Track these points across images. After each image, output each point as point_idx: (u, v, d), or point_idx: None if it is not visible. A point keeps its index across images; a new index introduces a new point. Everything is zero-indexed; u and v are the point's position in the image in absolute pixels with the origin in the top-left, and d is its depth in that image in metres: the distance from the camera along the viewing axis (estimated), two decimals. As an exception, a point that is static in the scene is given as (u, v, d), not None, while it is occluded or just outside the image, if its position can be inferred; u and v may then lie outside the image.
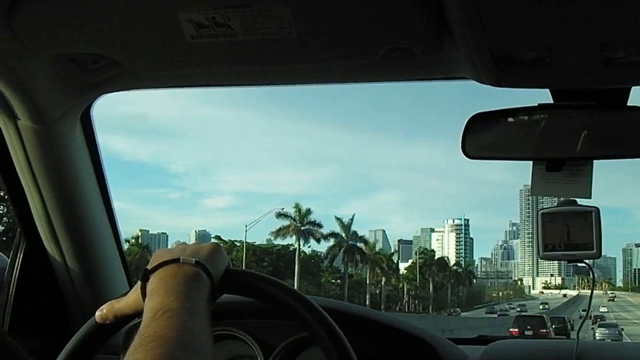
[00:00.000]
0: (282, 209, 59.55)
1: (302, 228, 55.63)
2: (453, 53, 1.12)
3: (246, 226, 52.10)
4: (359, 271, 66.58)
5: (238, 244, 57.42)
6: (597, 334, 38.16)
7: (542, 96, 1.34)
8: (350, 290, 60.98)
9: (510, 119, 1.33)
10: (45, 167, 1.40)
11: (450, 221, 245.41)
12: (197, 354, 0.76)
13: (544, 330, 33.63)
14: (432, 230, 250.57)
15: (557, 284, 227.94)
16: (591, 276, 1.58)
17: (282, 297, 1.02)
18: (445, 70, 1.23)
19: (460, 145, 1.33)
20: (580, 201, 1.40)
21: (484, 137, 1.33)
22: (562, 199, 1.43)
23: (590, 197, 1.33)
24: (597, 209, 1.36)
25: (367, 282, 63.66)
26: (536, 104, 1.31)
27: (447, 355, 1.44)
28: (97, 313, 0.98)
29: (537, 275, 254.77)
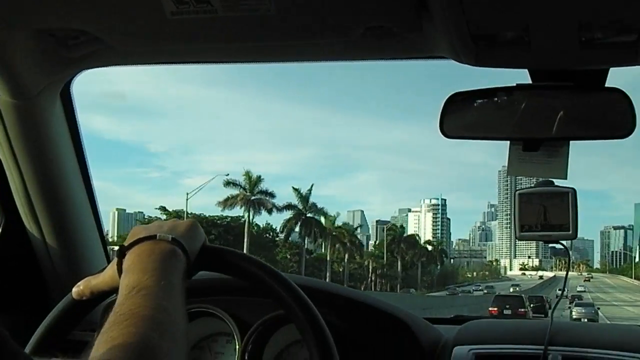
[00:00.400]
0: (227, 175, 53.87)
1: (252, 198, 51.78)
2: (432, 32, 1.13)
3: (187, 194, 48.28)
4: (318, 247, 63.70)
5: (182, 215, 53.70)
6: (573, 313, 39.35)
7: (521, 77, 1.36)
8: (309, 268, 58.28)
9: (489, 99, 1.33)
10: (25, 143, 1.39)
11: (428, 201, 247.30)
12: (171, 332, 0.78)
13: (522, 310, 34.31)
14: (409, 210, 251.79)
15: (534, 266, 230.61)
16: (567, 256, 1.61)
17: (260, 275, 1.03)
18: (424, 49, 1.24)
19: (438, 125, 1.35)
20: (557, 182, 1.43)
21: (462, 117, 1.33)
22: (540, 179, 1.45)
23: (566, 178, 1.35)
24: (574, 190, 1.39)
25: (328, 258, 60.31)
26: (514, 85, 1.32)
27: (423, 334, 1.46)
28: (74, 289, 0.99)
29: (515, 257, 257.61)
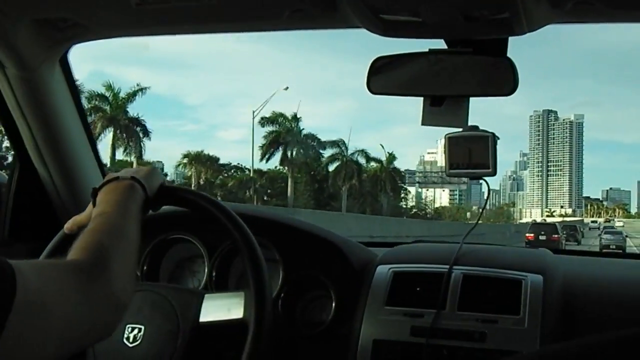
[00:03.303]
0: (287, 87, 54.80)
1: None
2: (346, 11, 1.36)
3: (253, 112, 48.25)
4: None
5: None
6: (603, 240, 40.38)
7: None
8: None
9: (406, 62, 1.54)
10: (32, 105, 1.70)
11: (443, 141, 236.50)
12: (120, 239, 1.02)
13: (556, 236, 36.21)
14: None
15: (566, 213, 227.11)
16: (486, 192, 1.81)
17: (205, 206, 1.29)
18: (343, 24, 1.45)
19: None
20: (481, 127, 1.59)
21: (385, 77, 1.54)
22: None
23: (465, 127, 1.57)
24: (493, 134, 1.58)
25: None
26: (427, 50, 1.52)
27: (354, 255, 1.69)
28: (66, 225, 1.24)
29: (546, 207, 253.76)
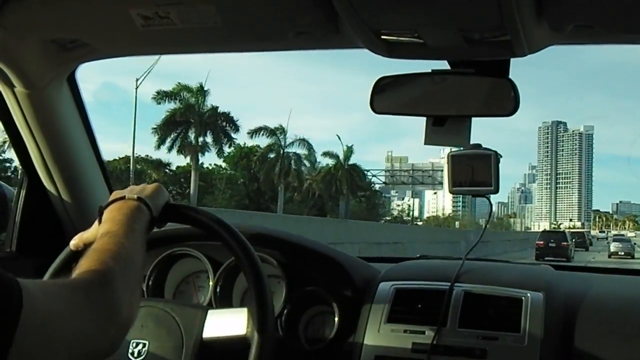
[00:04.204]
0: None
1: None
2: (348, 32, 1.38)
3: (137, 80, 37.11)
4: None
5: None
6: (611, 248, 41.54)
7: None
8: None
9: (409, 82, 1.56)
10: (40, 122, 1.74)
11: (447, 149, 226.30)
12: (125, 260, 1.04)
13: (565, 243, 37.23)
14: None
15: (574, 226, 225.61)
16: (489, 209, 1.84)
17: (208, 223, 1.31)
18: (347, 45, 1.48)
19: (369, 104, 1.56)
20: (484, 145, 1.61)
21: (388, 96, 1.57)
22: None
23: (467, 146, 1.59)
24: (496, 153, 1.60)
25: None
26: (430, 70, 1.54)
27: (355, 272, 1.70)
28: (72, 242, 1.26)
29: (554, 219, 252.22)
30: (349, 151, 50.94)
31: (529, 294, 1.58)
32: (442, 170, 55.02)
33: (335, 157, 50.38)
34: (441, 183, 57.54)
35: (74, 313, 0.87)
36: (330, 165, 50.14)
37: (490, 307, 1.58)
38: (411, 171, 61.75)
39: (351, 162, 51.42)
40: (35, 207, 1.91)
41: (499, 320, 1.54)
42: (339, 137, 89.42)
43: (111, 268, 0.99)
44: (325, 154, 50.15)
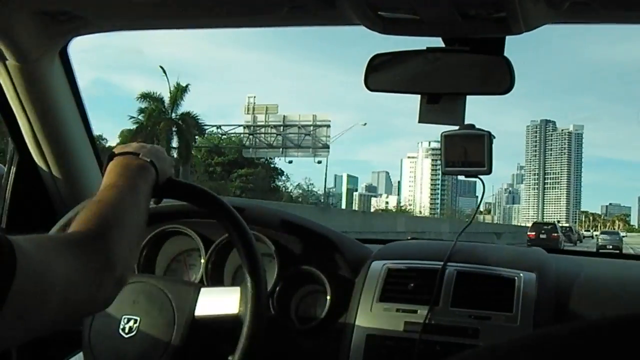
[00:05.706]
0: (365, 124, 43.21)
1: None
2: (345, 8, 1.37)
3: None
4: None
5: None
6: (599, 241, 41.93)
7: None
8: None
9: (404, 59, 1.54)
10: (32, 97, 1.72)
11: (426, 144, 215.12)
12: (125, 216, 1.04)
13: (556, 234, 38.81)
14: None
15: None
16: (482, 189, 1.80)
17: (206, 201, 1.32)
18: (342, 21, 1.46)
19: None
20: (477, 126, 1.59)
21: (382, 74, 1.55)
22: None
23: (462, 124, 1.57)
24: (489, 133, 1.58)
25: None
26: (425, 48, 1.52)
27: (349, 252, 1.71)
28: None
29: (543, 221, 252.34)
30: (179, 92, 36.41)
31: (521, 274, 1.58)
32: (329, 127, 38.76)
33: (159, 100, 36.41)
34: (327, 147, 39.36)
35: (66, 266, 0.86)
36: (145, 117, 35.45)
37: (482, 287, 1.58)
38: (282, 127, 39.93)
39: (183, 110, 37.87)
40: (26, 184, 1.90)
41: (491, 299, 1.54)
42: (163, 69, 39.90)
43: (109, 221, 0.99)
44: (145, 96, 35.54)
